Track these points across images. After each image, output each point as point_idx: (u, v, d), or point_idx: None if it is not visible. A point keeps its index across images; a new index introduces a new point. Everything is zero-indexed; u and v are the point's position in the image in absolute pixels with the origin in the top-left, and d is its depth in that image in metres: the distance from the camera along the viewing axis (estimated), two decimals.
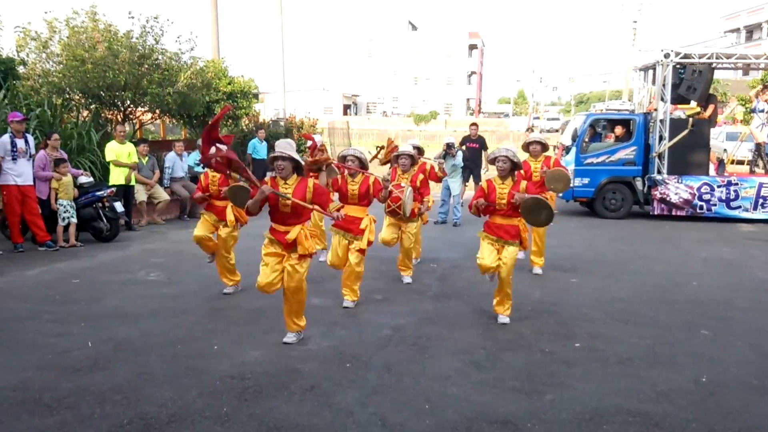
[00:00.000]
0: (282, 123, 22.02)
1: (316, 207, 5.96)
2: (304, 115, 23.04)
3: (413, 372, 5.51)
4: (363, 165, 7.43)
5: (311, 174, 7.49)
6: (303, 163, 6.05)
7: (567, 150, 15.36)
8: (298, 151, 19.95)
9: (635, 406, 4.92)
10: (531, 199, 6.62)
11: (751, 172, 15.57)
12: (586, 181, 14.96)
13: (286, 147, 5.92)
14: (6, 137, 10.01)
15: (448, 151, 12.88)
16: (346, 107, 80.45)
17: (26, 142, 10.20)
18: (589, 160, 14.95)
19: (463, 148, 13.60)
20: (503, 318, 6.97)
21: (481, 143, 15.57)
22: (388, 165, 9.17)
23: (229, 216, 7.74)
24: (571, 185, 14.88)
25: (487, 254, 6.81)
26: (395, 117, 74.43)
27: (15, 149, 9.99)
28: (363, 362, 5.74)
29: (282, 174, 5.91)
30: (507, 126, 66.51)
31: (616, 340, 6.48)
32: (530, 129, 20.90)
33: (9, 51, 14.34)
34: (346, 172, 7.43)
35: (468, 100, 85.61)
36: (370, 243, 7.36)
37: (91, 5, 14.58)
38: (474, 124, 15.59)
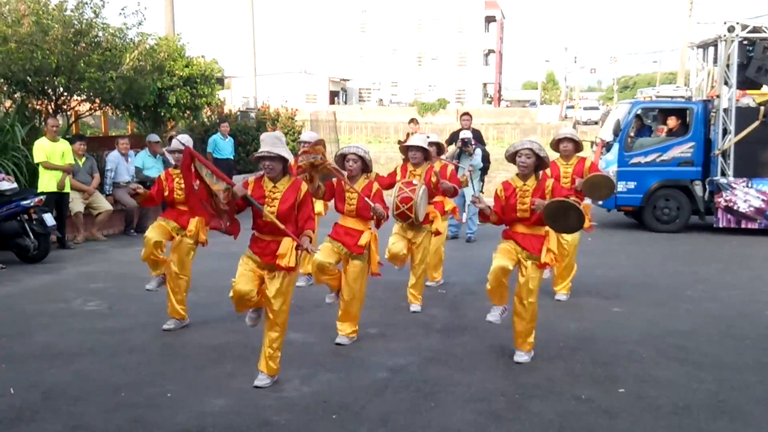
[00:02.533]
0: (252, 114, 22.06)
1: (293, 235, 5.98)
2: (281, 104, 23.10)
3: (416, 425, 5.50)
4: (366, 166, 7.39)
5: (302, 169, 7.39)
6: (291, 160, 6.13)
7: (608, 147, 15.38)
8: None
9: None
10: (553, 203, 6.61)
11: None
12: (632, 185, 14.99)
13: (274, 143, 5.98)
14: None
15: (464, 148, 12.87)
16: (334, 94, 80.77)
17: None
18: (635, 160, 14.99)
19: (470, 146, 13.27)
20: (522, 356, 7.00)
21: (478, 138, 14.74)
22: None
23: (191, 225, 7.74)
24: (615, 190, 14.92)
25: (502, 257, 6.83)
26: (394, 106, 74.63)
27: None
28: (353, 413, 5.73)
29: (271, 175, 6.00)
30: (534, 117, 66.85)
31: (671, 384, 6.48)
32: (575, 124, 20.71)
33: None
34: (345, 175, 7.36)
35: (485, 85, 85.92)
36: (380, 265, 7.49)
37: None
38: (466, 113, 15.15)
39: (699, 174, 14.96)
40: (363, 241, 7.27)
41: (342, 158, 7.35)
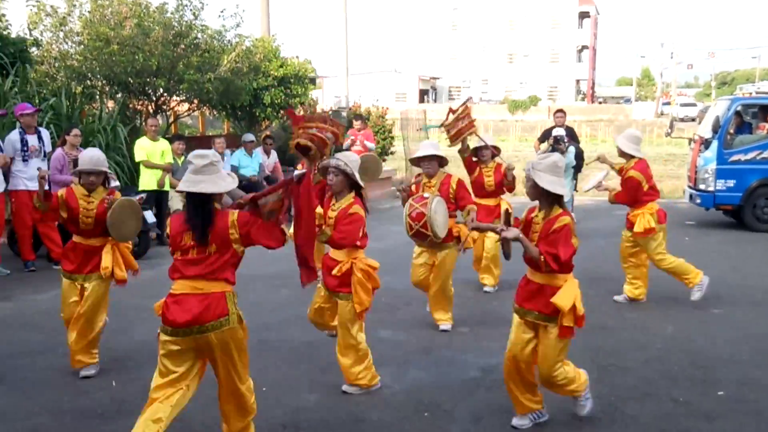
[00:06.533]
0: (344, 113, 22.23)
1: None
2: (372, 103, 23.22)
3: (508, 426, 5.45)
4: (350, 182, 6.13)
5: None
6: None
7: (706, 144, 14.94)
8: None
9: None
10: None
11: None
12: (731, 183, 14.50)
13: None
14: (15, 134, 10.43)
15: (557, 146, 12.72)
16: (423, 93, 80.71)
17: (40, 138, 10.61)
18: (735, 157, 14.50)
19: (562, 144, 13.06)
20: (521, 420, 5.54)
21: (571, 136, 14.42)
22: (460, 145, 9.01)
23: (105, 262, 6.47)
24: (707, 188, 14.47)
25: (513, 341, 5.42)
26: (485, 104, 74.22)
27: (26, 148, 10.41)
28: (445, 412, 5.71)
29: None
30: (629, 113, 65.48)
31: None
32: (673, 121, 20.20)
33: (20, 29, 14.94)
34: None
35: (578, 81, 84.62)
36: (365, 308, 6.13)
37: None
38: (559, 110, 14.83)
39: None
40: (335, 271, 6.06)
41: (324, 171, 6.13)
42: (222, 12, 16.05)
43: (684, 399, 6.00)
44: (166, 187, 12.81)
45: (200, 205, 4.63)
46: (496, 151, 9.36)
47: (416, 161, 7.71)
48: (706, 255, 12.13)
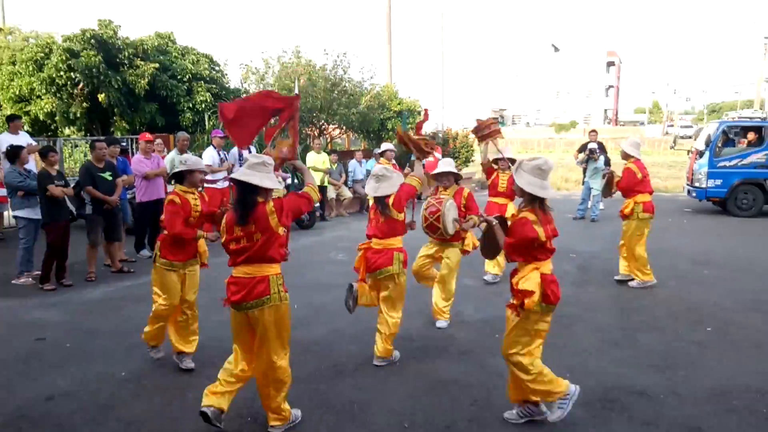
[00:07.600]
0: (441, 135, 22.14)
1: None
2: (461, 128, 23.01)
3: (556, 345, 5.37)
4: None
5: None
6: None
7: (701, 154, 14.16)
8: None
9: (766, 385, 4.51)
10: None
11: None
12: (719, 182, 13.69)
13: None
14: (234, 150, 10.96)
15: (591, 156, 12.57)
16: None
17: (249, 151, 11.09)
18: (722, 164, 13.67)
19: (595, 154, 12.57)
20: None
21: (602, 148, 13.62)
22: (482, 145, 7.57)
23: (203, 246, 5.13)
24: (701, 185, 13.74)
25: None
26: (537, 127, 72.23)
27: (241, 159, 10.88)
28: None
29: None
30: (643, 133, 62.47)
31: (749, 327, 5.93)
32: (675, 138, 19.27)
33: (236, 83, 15.64)
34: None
35: (605, 110, 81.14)
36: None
37: (296, 45, 15.71)
38: (593, 130, 14.21)
39: None
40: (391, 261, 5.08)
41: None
42: (362, 69, 16.32)
43: (682, 332, 5.73)
44: (325, 183, 13.13)
45: (246, 193, 3.73)
46: (512, 162, 7.54)
47: (435, 176, 6.23)
48: (700, 234, 11.56)
